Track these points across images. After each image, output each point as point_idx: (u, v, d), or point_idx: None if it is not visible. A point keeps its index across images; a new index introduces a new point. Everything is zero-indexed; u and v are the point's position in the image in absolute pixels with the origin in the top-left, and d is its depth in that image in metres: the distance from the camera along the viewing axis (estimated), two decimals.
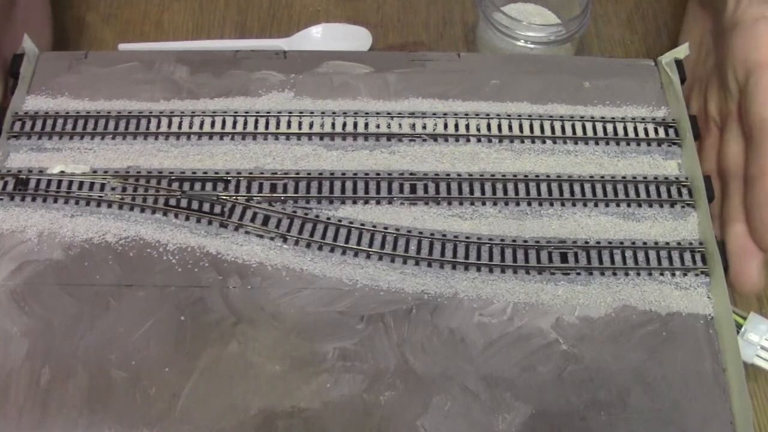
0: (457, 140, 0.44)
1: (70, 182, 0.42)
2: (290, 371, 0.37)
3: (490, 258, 0.40)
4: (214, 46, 0.55)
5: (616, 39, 0.58)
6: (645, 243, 0.41)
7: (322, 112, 0.44)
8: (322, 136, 0.44)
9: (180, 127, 0.44)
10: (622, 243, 0.41)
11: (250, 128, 0.44)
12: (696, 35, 0.50)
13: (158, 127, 0.44)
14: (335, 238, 0.40)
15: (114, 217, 0.41)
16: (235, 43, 0.56)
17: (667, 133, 0.44)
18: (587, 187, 0.42)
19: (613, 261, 0.40)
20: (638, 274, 0.40)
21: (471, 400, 0.36)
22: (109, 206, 0.41)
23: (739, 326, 0.39)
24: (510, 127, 0.44)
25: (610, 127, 0.44)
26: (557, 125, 0.44)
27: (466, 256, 0.40)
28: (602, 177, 0.43)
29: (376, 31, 0.57)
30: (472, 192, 0.42)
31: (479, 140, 0.44)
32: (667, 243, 0.41)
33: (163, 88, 0.45)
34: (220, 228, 0.41)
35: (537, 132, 0.44)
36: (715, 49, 0.46)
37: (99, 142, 0.43)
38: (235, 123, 0.44)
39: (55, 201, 0.41)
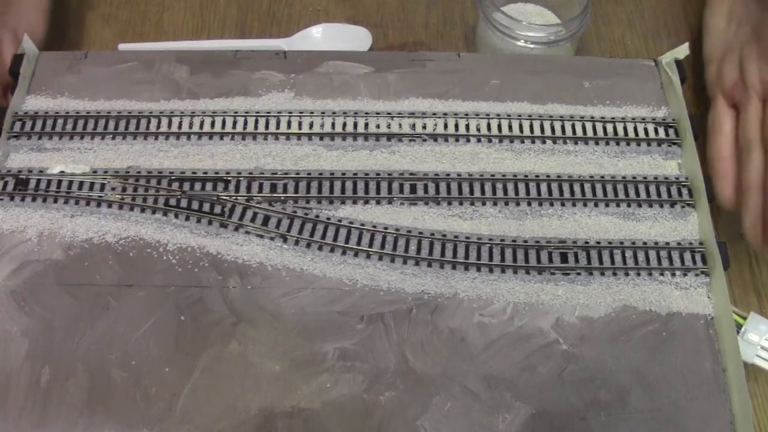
0: (457, 140, 0.44)
1: (70, 182, 0.42)
2: (290, 371, 0.37)
3: (490, 258, 0.40)
4: (214, 46, 0.55)
5: (616, 39, 0.58)
6: (645, 243, 0.41)
7: (322, 112, 0.44)
8: (322, 136, 0.44)
9: (180, 127, 0.44)
10: (622, 243, 0.41)
11: (250, 128, 0.44)
12: (725, 2, 0.49)
13: (158, 127, 0.44)
14: (335, 238, 0.40)
15: (114, 217, 0.41)
16: (235, 43, 0.56)
17: (667, 133, 0.44)
18: (587, 187, 0.42)
19: (613, 261, 0.40)
20: (638, 274, 0.40)
21: (471, 400, 0.36)
22: (109, 206, 0.41)
23: (739, 326, 0.39)
24: (510, 127, 0.44)
25: (610, 127, 0.44)
26: (557, 125, 0.44)
27: (466, 256, 0.40)
28: (602, 177, 0.43)
29: (376, 31, 0.56)
30: (472, 192, 0.42)
31: (479, 140, 0.44)
32: (667, 243, 0.41)
33: (163, 88, 0.45)
34: (220, 228, 0.41)
35: (537, 132, 0.44)
36: (750, 16, 0.44)
37: (99, 142, 0.43)
38: (235, 123, 0.44)
39: (55, 201, 0.41)
